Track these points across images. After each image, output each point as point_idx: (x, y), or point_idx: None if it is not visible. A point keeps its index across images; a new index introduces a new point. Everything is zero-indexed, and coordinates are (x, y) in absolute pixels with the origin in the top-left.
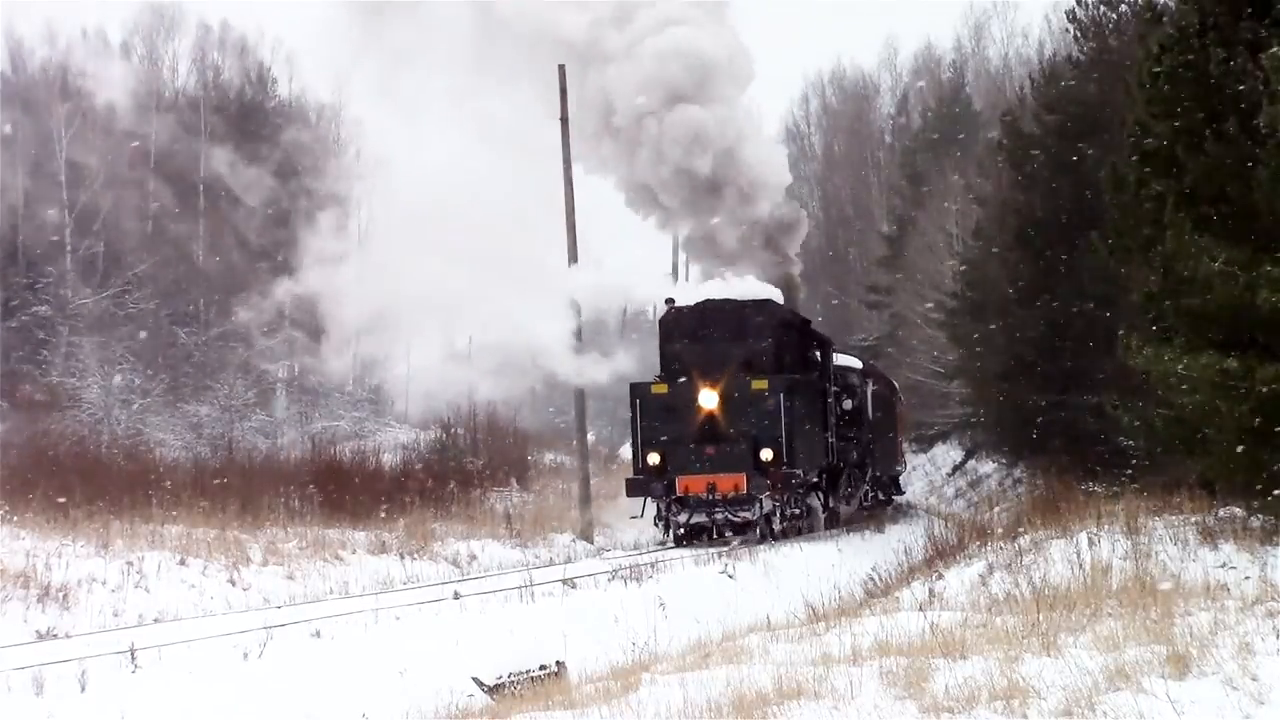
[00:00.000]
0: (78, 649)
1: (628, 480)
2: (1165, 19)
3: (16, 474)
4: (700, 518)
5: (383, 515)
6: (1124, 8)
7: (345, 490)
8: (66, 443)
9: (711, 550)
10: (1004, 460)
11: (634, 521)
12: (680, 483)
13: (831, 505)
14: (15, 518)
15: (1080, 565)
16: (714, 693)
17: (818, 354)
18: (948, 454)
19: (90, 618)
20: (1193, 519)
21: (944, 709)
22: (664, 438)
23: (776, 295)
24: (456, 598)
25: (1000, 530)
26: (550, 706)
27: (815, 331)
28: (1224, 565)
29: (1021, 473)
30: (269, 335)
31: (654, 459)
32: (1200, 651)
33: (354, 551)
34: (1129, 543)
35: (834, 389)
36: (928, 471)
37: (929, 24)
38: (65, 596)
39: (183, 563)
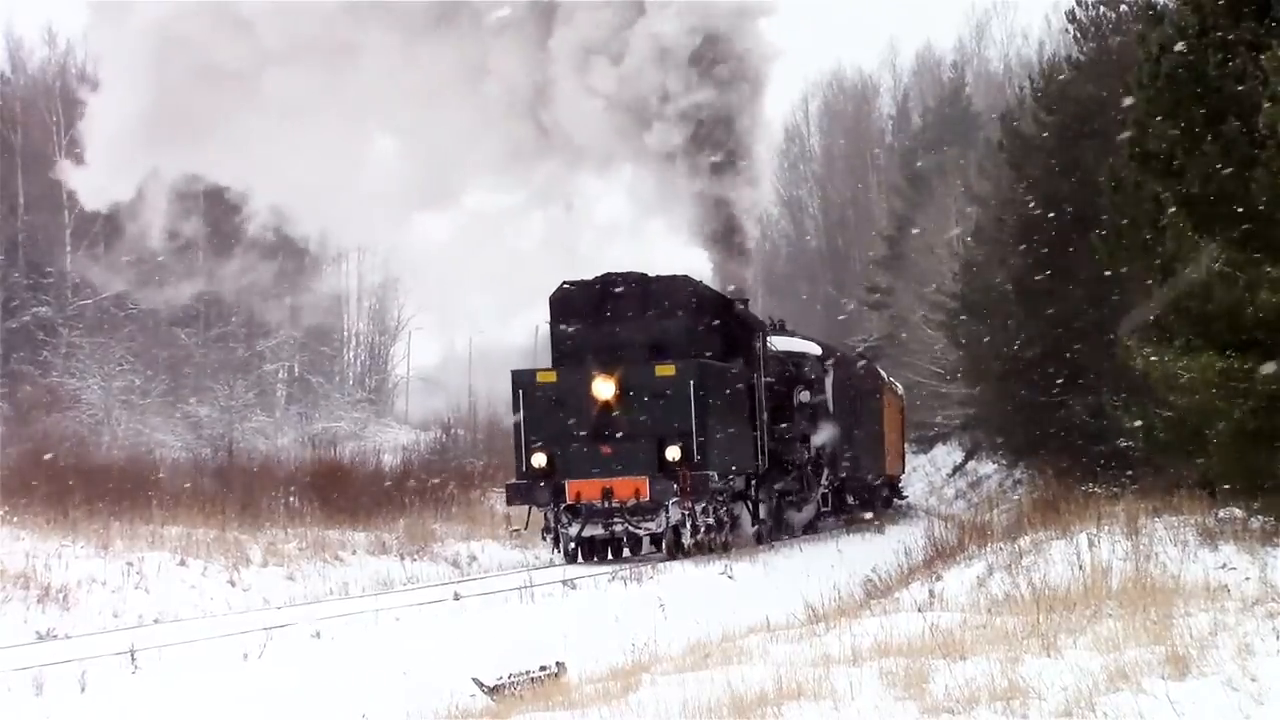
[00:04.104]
0: (78, 650)
1: (508, 486)
2: (1165, 20)
3: (17, 474)
4: (596, 529)
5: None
6: (1124, 8)
7: (345, 491)
8: (66, 444)
9: (607, 570)
10: (1004, 461)
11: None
12: (570, 488)
13: (763, 516)
14: (15, 518)
15: (1080, 566)
16: (714, 693)
17: (745, 338)
18: (948, 455)
19: (90, 618)
20: (1192, 520)
21: (944, 710)
22: (552, 435)
23: (701, 266)
24: (457, 598)
25: (1000, 531)
26: (550, 707)
27: (742, 311)
28: (1224, 566)
29: (1021, 474)
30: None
31: (540, 460)
32: (1200, 652)
33: (354, 552)
34: (1129, 544)
35: (766, 379)
36: (928, 472)
37: (929, 25)
38: (65, 597)
39: (183, 563)
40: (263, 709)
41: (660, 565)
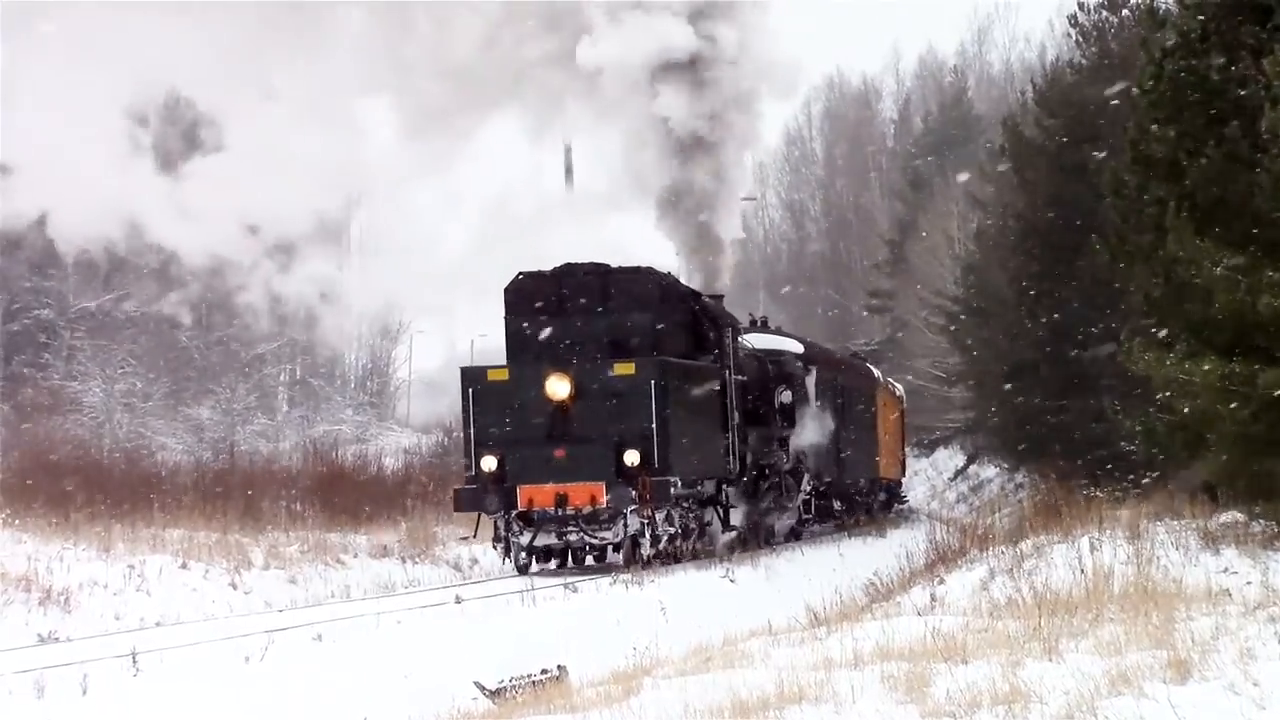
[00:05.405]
0: (79, 652)
1: (455, 491)
2: (1167, 24)
3: (18, 477)
4: (549, 538)
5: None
6: (1126, 12)
7: (346, 494)
8: (68, 446)
9: (560, 581)
10: (1006, 465)
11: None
12: (522, 494)
13: (736, 523)
14: (17, 521)
15: (1082, 570)
16: (715, 697)
17: (714, 335)
18: (950, 459)
19: (92, 621)
20: (1194, 524)
21: (945, 713)
22: (503, 437)
23: (667, 259)
24: (458, 601)
25: (1002, 535)
26: (552, 710)
27: (709, 306)
28: (1226, 570)
29: (1023, 477)
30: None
31: (490, 464)
32: (1202, 656)
33: (355, 555)
34: (1131, 547)
35: (739, 378)
36: (929, 476)
37: (932, 29)
38: (67, 600)
39: (184, 566)
40: (264, 712)
41: (664, 569)
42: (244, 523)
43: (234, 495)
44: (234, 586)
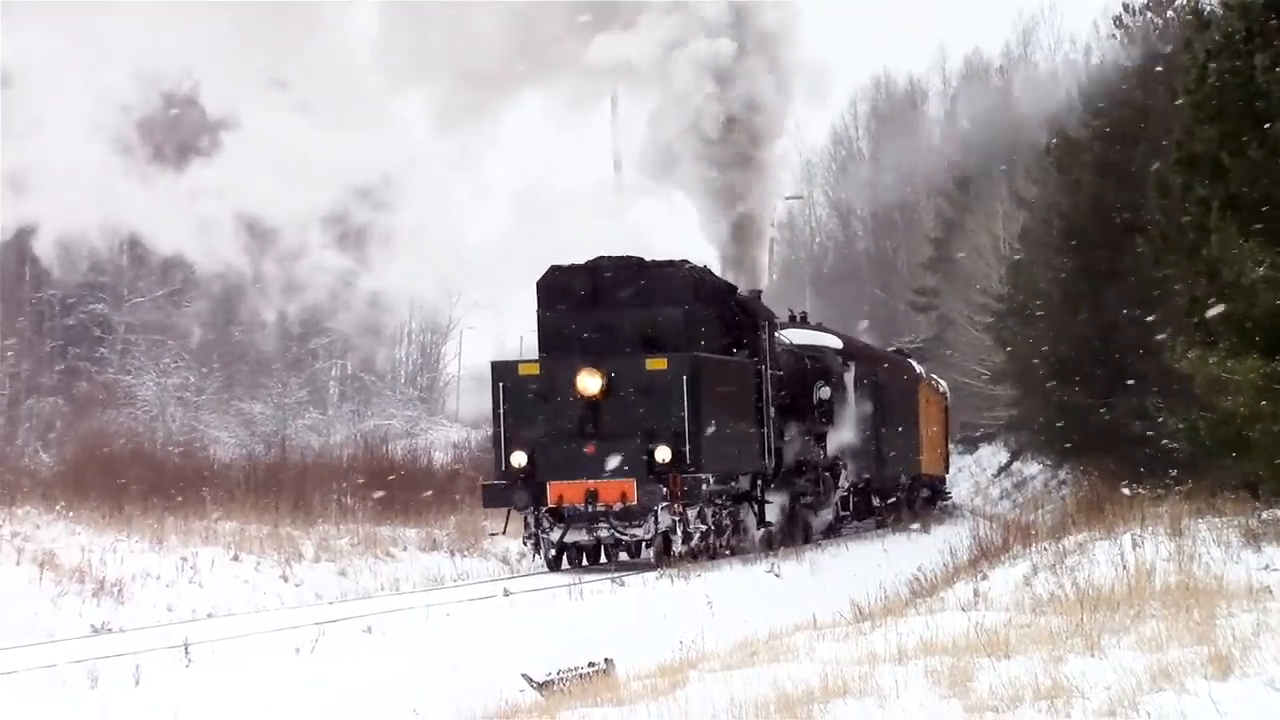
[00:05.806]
0: (132, 643)
1: (484, 487)
2: (1212, 25)
3: (74, 470)
4: (580, 534)
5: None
6: (1170, 14)
7: (396, 488)
8: (122, 440)
9: (607, 576)
10: (1049, 462)
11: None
12: (552, 490)
13: (772, 520)
14: (72, 513)
15: (1124, 566)
16: (760, 690)
17: (750, 330)
18: (993, 455)
19: (144, 613)
20: (1236, 521)
21: (988, 708)
22: (533, 432)
23: (707, 253)
24: (506, 595)
25: (1045, 531)
26: (599, 703)
27: (745, 300)
28: (1267, 567)
29: (1066, 474)
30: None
31: (519, 459)
32: (1243, 653)
33: (405, 548)
34: (1173, 544)
35: (776, 373)
36: (973, 473)
37: (978, 30)
38: (120, 591)
39: (236, 558)
40: (315, 703)
41: (709, 563)
42: (295, 516)
43: (285, 488)
44: (285, 579)
